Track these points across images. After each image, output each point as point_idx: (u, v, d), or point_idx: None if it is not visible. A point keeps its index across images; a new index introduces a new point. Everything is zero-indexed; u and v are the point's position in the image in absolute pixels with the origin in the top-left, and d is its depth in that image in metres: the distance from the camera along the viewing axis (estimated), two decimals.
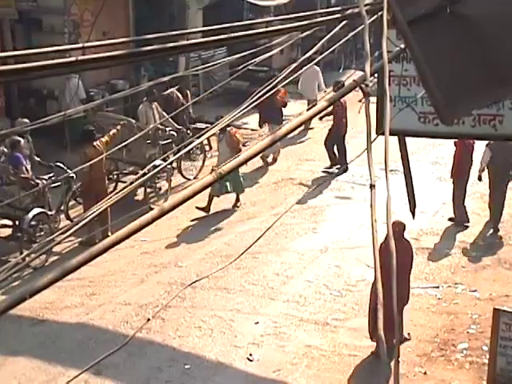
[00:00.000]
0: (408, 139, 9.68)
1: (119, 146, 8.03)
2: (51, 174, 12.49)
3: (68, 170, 11.71)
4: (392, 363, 6.96)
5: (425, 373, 9.23)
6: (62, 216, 12.80)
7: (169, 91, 15.41)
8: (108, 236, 3.24)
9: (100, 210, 3.97)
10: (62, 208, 12.86)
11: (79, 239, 11.14)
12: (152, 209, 3.38)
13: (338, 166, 15.83)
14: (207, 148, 16.78)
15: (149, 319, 9.17)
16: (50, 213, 12.21)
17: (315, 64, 17.72)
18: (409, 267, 9.27)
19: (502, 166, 12.82)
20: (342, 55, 24.07)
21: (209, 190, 13.20)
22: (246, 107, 5.18)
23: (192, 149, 14.59)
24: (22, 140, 12.28)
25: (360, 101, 12.60)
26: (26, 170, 12.13)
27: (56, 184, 12.46)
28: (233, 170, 2.91)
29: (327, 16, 4.99)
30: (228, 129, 13.44)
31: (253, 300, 10.81)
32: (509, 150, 12.38)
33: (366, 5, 3.95)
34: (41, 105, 16.42)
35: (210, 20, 16.90)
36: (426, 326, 10.16)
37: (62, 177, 11.71)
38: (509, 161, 12.79)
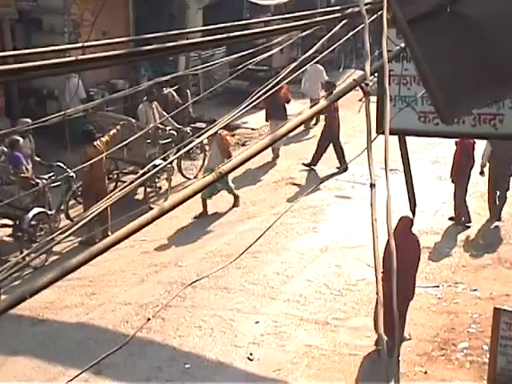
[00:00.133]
0: (408, 138, 9.71)
1: (119, 146, 8.04)
2: (51, 174, 12.49)
3: (68, 170, 11.71)
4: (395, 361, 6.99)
5: (425, 372, 9.23)
6: (62, 216, 12.80)
7: (165, 91, 15.41)
8: (108, 236, 3.24)
9: (100, 210, 3.97)
10: (62, 208, 12.86)
11: (79, 239, 11.14)
12: (152, 208, 3.37)
13: (338, 166, 15.86)
14: (207, 147, 16.76)
15: (149, 319, 9.17)
16: (50, 212, 12.21)
17: (319, 63, 18.04)
18: (416, 262, 9.32)
19: (503, 160, 12.87)
20: (342, 54, 24.06)
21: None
22: (245, 107, 5.17)
23: (192, 148, 14.59)
24: (21, 139, 12.27)
25: (360, 100, 12.69)
26: (26, 169, 12.13)
27: (56, 184, 12.47)
28: (233, 170, 2.91)
29: (327, 15, 4.98)
30: (219, 131, 13.27)
31: (253, 299, 10.81)
32: (510, 144, 12.37)
33: (365, 4, 3.95)
34: (41, 105, 16.41)
35: (209, 20, 16.90)
36: (427, 326, 10.16)
37: (62, 176, 11.71)
38: (510, 155, 12.80)
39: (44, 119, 8.09)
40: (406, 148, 9.76)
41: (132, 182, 4.72)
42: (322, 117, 17.77)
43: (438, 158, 16.63)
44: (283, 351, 9.61)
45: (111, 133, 12.86)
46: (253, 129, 18.76)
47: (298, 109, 17.09)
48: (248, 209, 14.13)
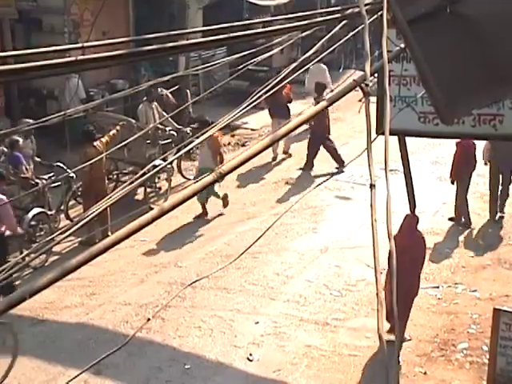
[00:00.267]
0: (408, 139, 9.68)
1: (119, 146, 8.03)
2: (51, 174, 12.50)
3: (68, 170, 11.71)
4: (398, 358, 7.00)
5: (425, 373, 9.23)
6: (62, 216, 12.81)
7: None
8: (108, 236, 3.23)
9: (100, 210, 3.97)
10: (62, 208, 12.87)
11: (79, 239, 11.14)
12: (152, 209, 3.37)
13: (337, 166, 15.89)
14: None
15: (149, 319, 9.17)
16: (49, 212, 12.22)
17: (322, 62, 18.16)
18: (421, 260, 9.41)
19: (505, 156, 12.94)
20: (342, 55, 24.10)
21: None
22: (245, 107, 5.17)
23: (192, 149, 14.58)
24: (20, 140, 12.28)
25: (360, 100, 12.63)
26: (26, 169, 12.14)
27: (56, 184, 12.47)
28: (234, 170, 2.91)
29: (327, 16, 4.99)
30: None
31: (253, 300, 10.81)
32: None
33: (365, 4, 3.95)
34: (41, 105, 16.42)
35: (209, 20, 16.90)
36: (426, 326, 10.16)
37: (62, 176, 11.71)
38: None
39: (44, 119, 8.08)
40: (406, 148, 9.74)
41: (132, 183, 4.72)
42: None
43: (438, 159, 16.64)
44: (283, 352, 9.61)
45: (111, 133, 12.86)
46: (253, 129, 18.77)
47: (299, 109, 17.13)
48: (248, 209, 14.13)
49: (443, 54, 3.07)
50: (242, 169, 3.00)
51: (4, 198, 10.29)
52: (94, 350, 9.28)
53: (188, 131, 15.24)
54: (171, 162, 13.78)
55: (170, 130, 15.08)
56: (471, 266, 11.92)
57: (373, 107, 3.46)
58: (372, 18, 4.04)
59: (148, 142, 14.40)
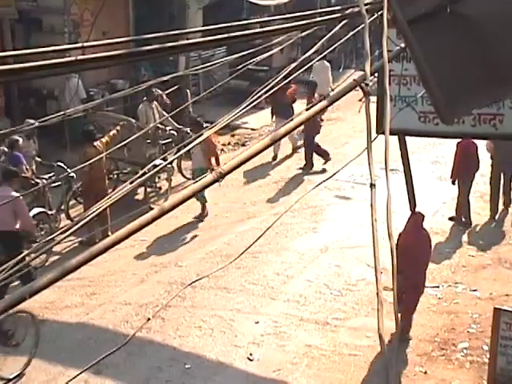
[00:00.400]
0: (408, 138, 9.69)
1: (119, 146, 8.03)
2: (51, 174, 12.50)
3: (68, 170, 11.71)
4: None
5: (425, 372, 9.23)
6: (63, 215, 12.81)
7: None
8: (108, 236, 3.23)
9: (100, 210, 3.97)
10: (63, 207, 12.87)
11: (79, 239, 11.13)
12: (152, 208, 3.37)
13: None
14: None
15: (149, 319, 9.17)
16: (50, 212, 12.22)
17: (326, 61, 18.37)
18: (427, 257, 9.57)
19: (505, 157, 12.98)
20: (342, 54, 24.09)
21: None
22: (245, 107, 5.17)
23: (192, 148, 14.56)
24: (20, 139, 12.29)
25: (360, 100, 12.65)
26: (26, 169, 12.13)
27: (56, 184, 12.47)
28: (234, 170, 2.91)
29: (327, 15, 4.98)
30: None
31: (253, 300, 10.81)
32: None
33: (366, 4, 3.95)
34: (41, 105, 16.42)
35: (209, 20, 16.91)
36: (427, 326, 10.16)
37: (62, 176, 11.71)
38: None
39: (44, 119, 8.09)
40: (406, 148, 9.75)
41: (132, 182, 4.72)
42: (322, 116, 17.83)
43: (438, 158, 16.64)
44: (283, 351, 9.61)
45: (111, 133, 12.85)
46: (253, 129, 18.78)
47: (299, 108, 17.14)
48: (248, 209, 14.13)
49: (443, 54, 3.07)
50: (242, 168, 3.00)
51: (17, 195, 10.33)
52: (94, 350, 9.28)
53: (188, 131, 15.23)
54: (171, 162, 13.77)
55: (170, 130, 15.08)
56: (471, 266, 11.92)
57: (373, 107, 3.46)
58: (372, 18, 4.04)
59: (148, 141, 14.40)
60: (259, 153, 3.02)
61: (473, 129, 7.76)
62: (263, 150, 3.06)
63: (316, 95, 16.36)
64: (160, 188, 14.80)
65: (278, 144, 15.85)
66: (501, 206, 13.75)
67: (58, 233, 7.60)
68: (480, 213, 13.79)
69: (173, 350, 9.64)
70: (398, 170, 11.49)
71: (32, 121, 12.05)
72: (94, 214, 3.98)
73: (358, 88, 3.14)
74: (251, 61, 7.58)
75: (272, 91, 5.79)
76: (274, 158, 16.78)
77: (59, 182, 12.50)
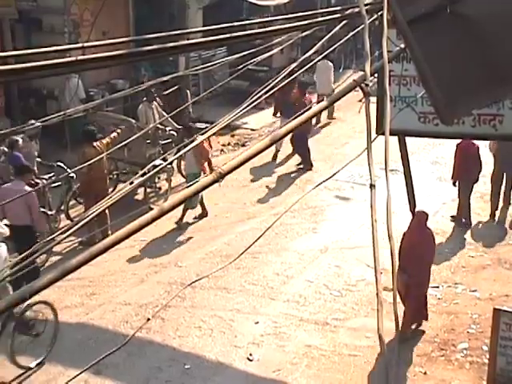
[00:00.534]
0: (408, 139, 9.70)
1: (119, 146, 8.04)
2: (51, 174, 12.49)
3: (68, 170, 11.71)
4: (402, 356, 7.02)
5: (425, 373, 9.23)
6: (63, 216, 12.80)
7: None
8: (108, 236, 3.23)
9: (100, 210, 3.97)
10: (63, 208, 12.86)
11: (79, 239, 11.14)
12: (152, 209, 3.37)
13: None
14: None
15: (148, 319, 9.17)
16: (50, 212, 12.21)
17: (329, 61, 18.50)
18: (431, 255, 9.71)
19: (506, 157, 13.02)
20: (342, 55, 24.09)
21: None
22: (246, 107, 5.17)
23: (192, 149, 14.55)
24: (20, 139, 12.29)
25: (360, 100, 12.65)
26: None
27: (56, 184, 12.46)
28: (234, 170, 2.90)
29: (327, 16, 4.98)
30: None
31: (253, 300, 10.81)
32: None
33: (366, 4, 3.95)
34: (41, 105, 16.42)
35: (209, 20, 16.91)
36: (426, 326, 10.16)
37: (62, 176, 11.71)
38: None
39: (45, 119, 8.10)
40: (406, 148, 9.76)
41: (132, 183, 4.72)
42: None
43: (438, 159, 16.63)
44: (283, 352, 9.61)
45: (112, 135, 12.82)
46: (253, 129, 18.77)
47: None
48: (248, 209, 14.13)
49: (443, 54, 3.07)
50: (242, 169, 3.00)
51: (25, 188, 10.53)
52: (94, 350, 9.28)
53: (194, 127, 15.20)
54: (171, 162, 13.76)
55: (169, 130, 15.07)
56: (471, 266, 11.92)
57: (373, 107, 3.46)
58: (372, 18, 4.04)
59: (148, 141, 14.40)
60: (259, 153, 3.02)
61: (473, 129, 7.77)
62: (263, 151, 3.06)
63: (309, 95, 16.38)
64: (160, 188, 14.80)
65: (281, 142, 15.90)
66: (501, 206, 13.76)
67: (58, 233, 7.60)
68: (480, 213, 13.79)
69: (172, 351, 9.64)
70: (398, 171, 11.49)
71: (35, 122, 12.08)
72: (94, 214, 3.98)
73: (358, 88, 3.14)
74: (251, 61, 7.59)
75: (272, 91, 5.79)
76: (275, 155, 16.75)
77: (59, 182, 12.49)
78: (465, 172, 12.99)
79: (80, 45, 3.87)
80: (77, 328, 10.11)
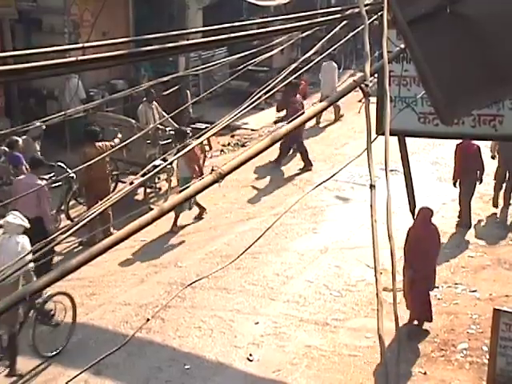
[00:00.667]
0: (408, 139, 9.70)
1: (119, 146, 8.05)
2: (52, 174, 12.49)
3: (68, 170, 11.71)
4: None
5: (425, 373, 9.23)
6: (63, 216, 12.79)
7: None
8: (111, 235, 3.23)
9: (100, 211, 3.97)
10: (63, 208, 12.85)
11: (79, 239, 11.14)
12: (152, 209, 3.37)
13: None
14: (207, 148, 16.77)
15: (148, 319, 9.16)
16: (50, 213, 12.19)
17: (334, 61, 18.57)
18: (436, 250, 9.95)
19: (509, 157, 13.10)
20: (342, 55, 24.10)
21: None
22: (246, 107, 5.17)
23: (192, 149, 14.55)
24: (20, 139, 12.29)
25: (360, 101, 12.61)
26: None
27: (56, 184, 12.46)
28: (234, 170, 2.90)
29: (327, 16, 4.99)
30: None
31: (253, 300, 10.81)
32: None
33: (366, 5, 3.95)
34: (41, 105, 16.42)
35: (209, 20, 16.91)
36: (426, 326, 10.16)
37: (63, 176, 11.71)
38: None
39: (45, 119, 8.11)
40: (406, 149, 9.76)
41: (132, 183, 4.72)
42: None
43: (438, 159, 16.63)
44: (283, 352, 9.61)
45: (116, 141, 12.74)
46: (253, 129, 18.77)
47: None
48: (248, 209, 14.13)
49: (443, 54, 3.06)
50: (241, 169, 3.00)
51: (42, 183, 10.75)
52: (94, 350, 9.28)
53: (188, 131, 15.21)
54: (171, 162, 13.75)
55: (169, 131, 15.07)
56: (471, 267, 11.92)
57: (373, 108, 3.46)
58: (372, 19, 4.05)
59: (148, 142, 14.39)
60: (259, 153, 3.02)
61: (472, 130, 7.76)
62: (263, 151, 3.06)
63: (299, 96, 16.40)
64: (160, 188, 14.79)
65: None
66: (501, 206, 13.78)
67: (58, 233, 7.60)
68: (480, 213, 13.79)
69: (172, 351, 9.64)
70: (398, 171, 11.49)
71: (38, 123, 12.08)
72: (94, 214, 3.98)
73: (357, 89, 3.14)
74: (251, 61, 7.59)
75: (272, 92, 5.79)
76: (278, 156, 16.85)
77: (59, 183, 12.49)
78: (465, 172, 12.99)
79: (80, 45, 3.87)
80: (77, 328, 10.09)
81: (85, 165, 7.67)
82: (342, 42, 5.77)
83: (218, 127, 4.61)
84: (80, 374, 4.06)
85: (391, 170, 12.98)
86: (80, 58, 3.39)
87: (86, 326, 10.15)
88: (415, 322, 10.01)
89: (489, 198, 14.13)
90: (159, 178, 14.74)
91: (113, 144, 12.53)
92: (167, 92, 12.32)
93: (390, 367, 2.43)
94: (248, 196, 14.76)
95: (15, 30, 16.34)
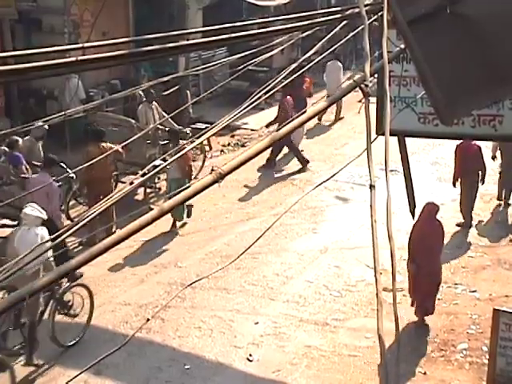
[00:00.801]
0: (408, 139, 9.69)
1: (119, 146, 8.05)
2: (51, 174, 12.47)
3: (68, 170, 11.70)
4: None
5: (424, 373, 9.23)
6: (63, 216, 12.78)
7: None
8: (113, 233, 3.23)
9: (100, 211, 3.96)
10: (63, 208, 12.85)
11: (79, 239, 11.13)
12: (152, 209, 3.37)
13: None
14: (207, 148, 16.78)
15: (148, 319, 9.17)
16: None
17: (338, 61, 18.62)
18: (440, 246, 10.05)
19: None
20: (342, 56, 24.11)
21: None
22: (246, 107, 5.17)
23: (192, 149, 14.56)
24: (20, 139, 12.29)
25: (360, 101, 12.57)
26: (26, 169, 12.13)
27: (57, 184, 12.44)
28: (234, 170, 2.90)
29: (327, 16, 4.99)
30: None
31: (252, 300, 10.81)
32: None
33: (366, 5, 3.95)
34: (41, 105, 16.42)
35: (209, 20, 16.91)
36: (427, 326, 10.16)
37: (62, 176, 11.70)
38: None
39: (45, 119, 8.11)
40: (406, 149, 9.76)
41: (132, 183, 4.72)
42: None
43: (438, 160, 16.64)
44: (283, 352, 9.61)
45: (121, 149, 12.68)
46: (253, 129, 18.77)
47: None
48: (248, 209, 14.13)
49: (443, 54, 3.06)
50: (241, 169, 3.00)
51: (50, 180, 10.90)
52: (94, 350, 9.28)
53: (188, 131, 15.22)
54: (171, 163, 13.73)
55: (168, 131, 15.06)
56: (471, 267, 11.92)
57: (373, 108, 3.46)
58: (372, 19, 4.05)
59: (148, 142, 14.39)
60: (259, 153, 3.02)
61: (472, 130, 7.75)
62: (263, 151, 3.06)
63: (289, 97, 16.41)
64: (160, 188, 14.79)
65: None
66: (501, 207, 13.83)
67: (58, 233, 7.59)
68: (480, 213, 13.78)
69: (172, 351, 9.64)
70: (398, 171, 11.48)
71: (41, 123, 12.08)
72: (94, 214, 3.98)
73: (357, 89, 3.14)
74: (252, 61, 7.59)
75: (272, 91, 5.79)
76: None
77: (59, 183, 12.48)
78: (466, 173, 12.98)
79: (80, 45, 3.87)
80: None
81: (86, 164, 7.68)
82: (342, 42, 5.77)
83: (218, 127, 4.61)
84: (80, 374, 4.06)
85: (391, 170, 12.95)
86: (80, 58, 3.39)
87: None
88: (417, 319, 10.07)
89: (489, 197, 14.14)
90: (159, 178, 14.74)
91: (116, 149, 12.50)
92: (167, 92, 12.34)
93: (389, 367, 2.43)
94: (248, 196, 14.76)
95: (15, 30, 16.35)
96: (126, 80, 17.59)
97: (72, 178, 12.47)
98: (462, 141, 12.23)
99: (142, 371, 9.19)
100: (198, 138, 8.93)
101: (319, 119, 19.29)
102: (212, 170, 2.89)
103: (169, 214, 11.15)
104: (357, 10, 4.67)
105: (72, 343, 9.64)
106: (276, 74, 7.63)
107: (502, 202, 13.98)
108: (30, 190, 9.87)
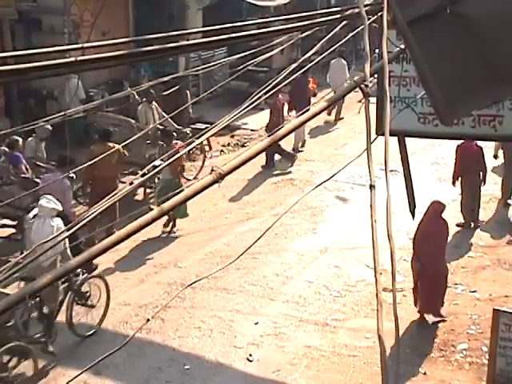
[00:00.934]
0: (408, 140, 9.68)
1: (119, 147, 8.05)
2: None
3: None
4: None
5: (424, 373, 9.23)
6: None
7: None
8: (114, 233, 3.23)
9: (99, 211, 3.96)
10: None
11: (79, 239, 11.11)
12: (152, 209, 3.37)
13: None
14: (207, 148, 16.77)
15: (148, 319, 9.16)
16: None
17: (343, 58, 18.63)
18: (444, 244, 10.13)
19: None
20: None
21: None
22: (245, 108, 5.17)
23: (192, 149, 14.57)
24: (20, 139, 12.29)
25: (360, 101, 12.57)
26: (26, 169, 12.13)
27: None
28: (234, 170, 2.90)
29: (327, 16, 4.99)
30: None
31: (252, 300, 10.81)
32: None
33: (365, 5, 3.95)
34: (40, 105, 16.42)
35: (209, 20, 16.91)
36: (428, 326, 10.15)
37: (62, 176, 11.70)
38: None
39: (45, 119, 8.11)
40: (406, 149, 9.75)
41: (132, 183, 4.72)
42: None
43: (438, 160, 16.63)
44: (282, 352, 9.61)
45: (123, 153, 12.67)
46: (252, 130, 18.77)
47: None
48: (247, 210, 14.13)
49: (443, 55, 3.07)
50: (241, 169, 3.00)
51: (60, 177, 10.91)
52: (94, 350, 9.28)
53: (188, 132, 15.22)
54: (170, 163, 13.72)
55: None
56: (471, 267, 11.92)
57: (372, 108, 3.47)
58: (372, 19, 4.05)
59: (148, 142, 14.38)
60: (259, 153, 3.02)
61: (472, 130, 7.75)
62: (263, 151, 3.06)
63: (282, 97, 16.38)
64: None
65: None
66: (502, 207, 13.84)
67: (58, 233, 7.60)
68: (480, 213, 13.76)
69: (172, 351, 9.64)
70: (398, 171, 11.48)
71: (43, 123, 12.06)
72: (94, 214, 3.98)
73: (357, 89, 3.14)
74: (251, 62, 7.58)
75: (272, 92, 5.79)
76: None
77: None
78: (466, 173, 12.98)
79: (80, 45, 3.86)
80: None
81: (88, 163, 7.67)
82: (341, 42, 5.77)
83: (218, 127, 4.61)
84: (80, 374, 4.06)
85: (391, 171, 12.87)
86: (80, 58, 3.39)
87: None
88: (419, 317, 10.09)
89: (489, 197, 14.14)
90: (159, 178, 14.72)
91: (121, 152, 12.48)
92: (167, 92, 12.33)
93: (389, 367, 2.43)
94: (248, 196, 14.75)
95: (15, 30, 16.35)
96: (125, 80, 17.61)
97: (72, 178, 12.46)
98: (462, 141, 12.23)
99: (141, 371, 9.19)
100: (197, 138, 8.93)
101: (328, 114, 19.14)
102: (212, 170, 2.89)
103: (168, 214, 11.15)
104: (357, 11, 4.67)
105: (90, 333, 9.83)
106: (276, 74, 7.62)
107: (499, 209, 13.95)
108: (49, 189, 10.13)
